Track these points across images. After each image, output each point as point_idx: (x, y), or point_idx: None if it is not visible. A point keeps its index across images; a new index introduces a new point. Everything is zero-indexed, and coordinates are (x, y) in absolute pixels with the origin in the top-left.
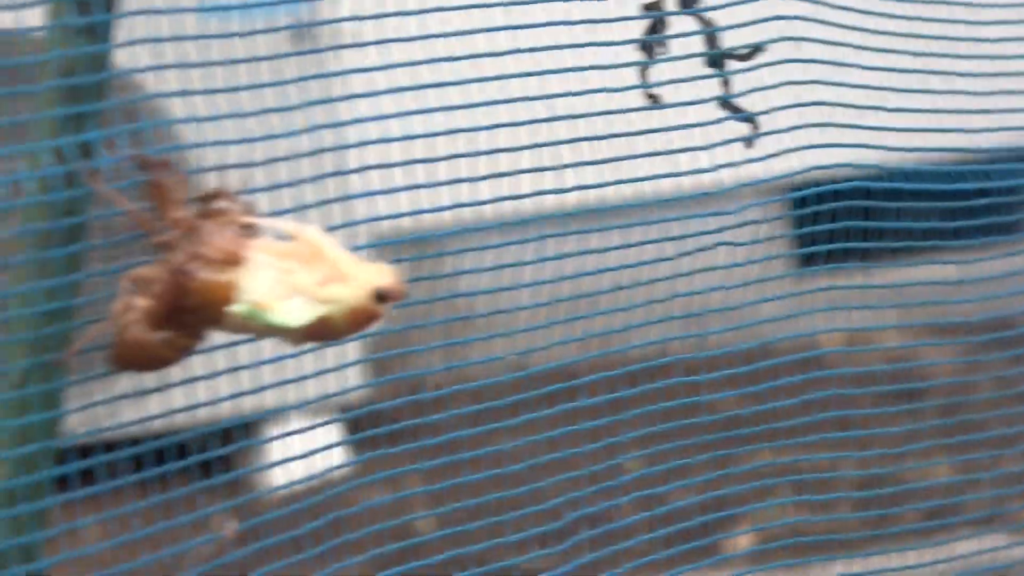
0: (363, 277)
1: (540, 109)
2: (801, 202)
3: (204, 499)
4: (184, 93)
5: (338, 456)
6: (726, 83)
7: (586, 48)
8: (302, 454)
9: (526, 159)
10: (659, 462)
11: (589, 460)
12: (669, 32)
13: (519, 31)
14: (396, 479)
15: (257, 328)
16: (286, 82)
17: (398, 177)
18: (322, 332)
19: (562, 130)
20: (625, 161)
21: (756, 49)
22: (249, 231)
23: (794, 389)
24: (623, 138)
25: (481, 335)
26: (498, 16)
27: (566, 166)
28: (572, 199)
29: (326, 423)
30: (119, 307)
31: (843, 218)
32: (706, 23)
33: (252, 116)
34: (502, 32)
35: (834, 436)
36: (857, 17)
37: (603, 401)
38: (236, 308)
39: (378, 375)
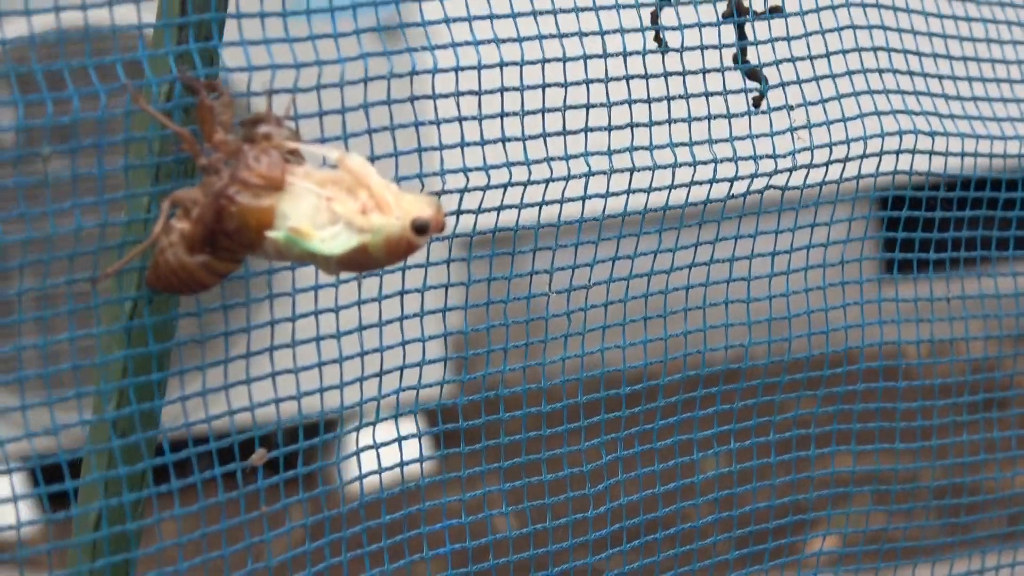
0: (403, 207)
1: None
2: (887, 207)
3: (283, 493)
4: (270, 67)
5: (416, 453)
6: (744, 48)
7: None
8: (379, 447)
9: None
10: (736, 463)
11: (665, 459)
12: None
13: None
14: (474, 477)
15: (295, 254)
16: (377, 77)
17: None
18: (359, 261)
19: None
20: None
21: (774, 10)
22: (292, 157)
23: (875, 395)
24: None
25: (558, 334)
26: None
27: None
28: (645, 198)
29: (404, 417)
30: (158, 229)
31: (930, 225)
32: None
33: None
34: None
35: (916, 445)
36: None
37: (680, 400)
38: (274, 234)
39: (457, 373)
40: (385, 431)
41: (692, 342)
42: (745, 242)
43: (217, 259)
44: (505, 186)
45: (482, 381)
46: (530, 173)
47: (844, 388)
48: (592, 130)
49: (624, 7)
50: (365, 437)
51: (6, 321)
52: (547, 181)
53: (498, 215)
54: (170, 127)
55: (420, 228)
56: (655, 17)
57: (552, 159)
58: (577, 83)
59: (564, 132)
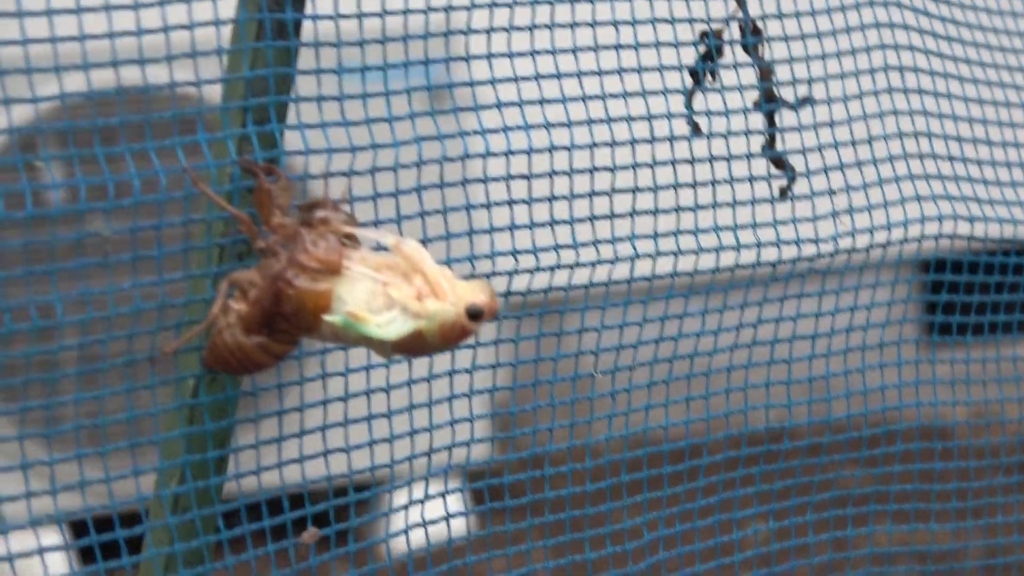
0: (458, 293)
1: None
2: (929, 272)
3: (325, 562)
4: (327, 151)
5: (460, 523)
6: (773, 136)
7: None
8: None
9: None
10: (781, 536)
11: (709, 535)
12: (722, 62)
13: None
14: (517, 547)
15: (351, 338)
16: (430, 161)
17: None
18: (414, 346)
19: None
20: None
21: (807, 100)
22: (349, 241)
23: (916, 458)
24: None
25: (603, 414)
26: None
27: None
28: (690, 267)
29: (448, 490)
30: (216, 309)
31: (971, 290)
32: (763, 73)
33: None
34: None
35: (956, 506)
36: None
37: (724, 478)
38: (331, 318)
39: (503, 447)
40: (429, 501)
41: (734, 403)
42: (789, 306)
43: (274, 341)
44: (553, 268)
45: (530, 441)
46: (578, 255)
47: (884, 450)
48: (638, 213)
49: (671, 92)
50: (414, 506)
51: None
52: (594, 263)
53: (546, 295)
54: (228, 210)
55: (475, 314)
56: (690, 100)
57: (599, 242)
58: (624, 167)
59: (611, 215)
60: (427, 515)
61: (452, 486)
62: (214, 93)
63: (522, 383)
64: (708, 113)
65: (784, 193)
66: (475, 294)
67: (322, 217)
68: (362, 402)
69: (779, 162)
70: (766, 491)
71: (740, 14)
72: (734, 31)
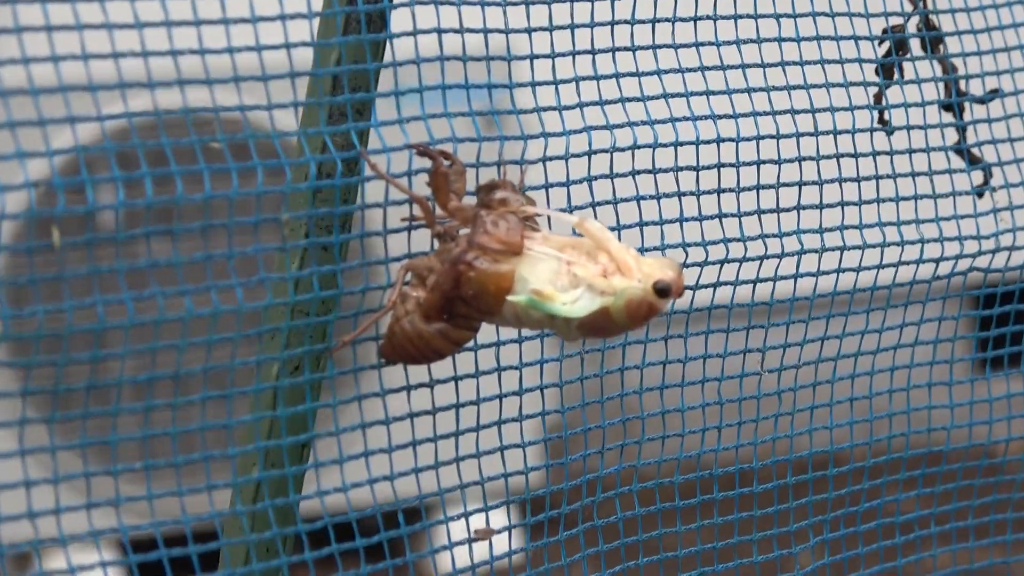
0: (644, 270)
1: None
2: (987, 301)
3: None
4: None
5: (510, 544)
6: (963, 130)
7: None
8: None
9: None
10: (829, 555)
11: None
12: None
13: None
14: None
15: (534, 319)
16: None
17: None
18: (600, 325)
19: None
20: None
21: (994, 93)
22: (529, 222)
23: (971, 492)
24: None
25: (655, 435)
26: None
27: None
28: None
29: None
30: (394, 296)
31: None
32: (948, 67)
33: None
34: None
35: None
36: None
37: (778, 508)
38: (516, 298)
39: (555, 469)
40: (479, 521)
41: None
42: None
43: (453, 326)
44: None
45: (582, 465)
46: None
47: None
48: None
49: (853, 85)
50: (458, 526)
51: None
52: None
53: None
54: (410, 195)
55: (662, 291)
56: (879, 97)
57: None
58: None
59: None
60: (482, 547)
61: (505, 513)
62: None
63: (571, 405)
64: (887, 107)
65: (981, 192)
66: (662, 271)
67: (502, 198)
68: (426, 424)
69: (974, 157)
70: (821, 500)
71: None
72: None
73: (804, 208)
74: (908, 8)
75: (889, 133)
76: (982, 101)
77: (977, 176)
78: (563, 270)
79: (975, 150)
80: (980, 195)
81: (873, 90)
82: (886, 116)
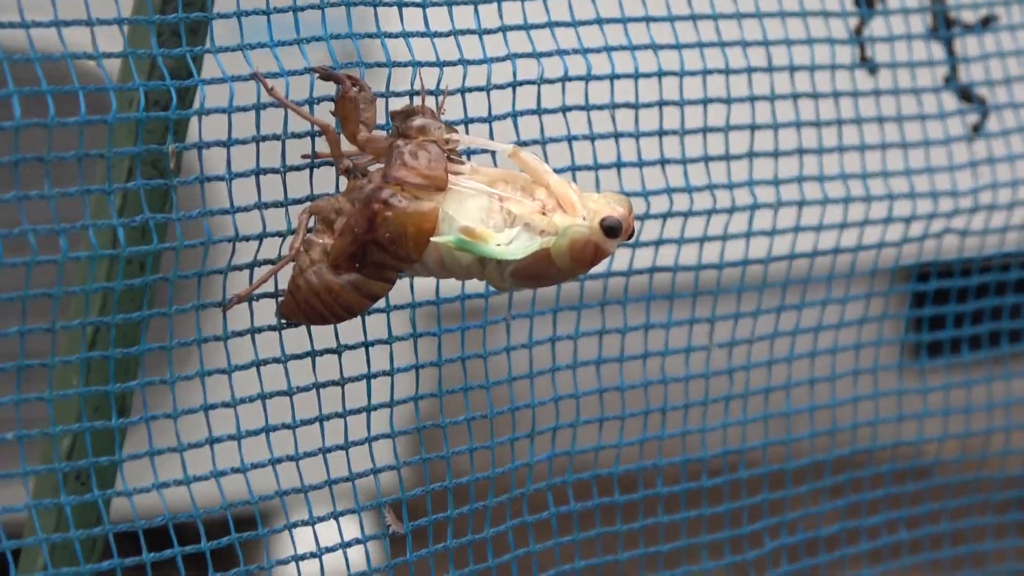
0: (590, 206)
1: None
2: (920, 280)
3: None
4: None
5: (361, 552)
6: (953, 67)
7: None
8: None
9: None
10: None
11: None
12: None
13: None
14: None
15: (462, 265)
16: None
17: None
18: (540, 270)
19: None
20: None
21: (990, 19)
22: (453, 153)
23: (898, 500)
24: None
25: (522, 433)
26: None
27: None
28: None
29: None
30: (297, 244)
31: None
32: None
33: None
34: None
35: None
36: None
37: (686, 515)
38: (442, 239)
39: (411, 467)
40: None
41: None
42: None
43: (367, 277)
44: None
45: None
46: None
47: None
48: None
49: (811, 15)
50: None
51: None
52: None
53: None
54: (311, 120)
55: (611, 229)
56: (859, 30)
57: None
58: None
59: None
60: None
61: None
62: None
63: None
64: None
65: (977, 129)
66: (610, 207)
67: (420, 125)
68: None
69: (966, 94)
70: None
71: None
72: None
73: (757, 155)
74: None
75: (872, 71)
76: (973, 30)
77: (965, 121)
78: (495, 207)
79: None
80: (973, 137)
81: (842, 22)
82: (868, 52)
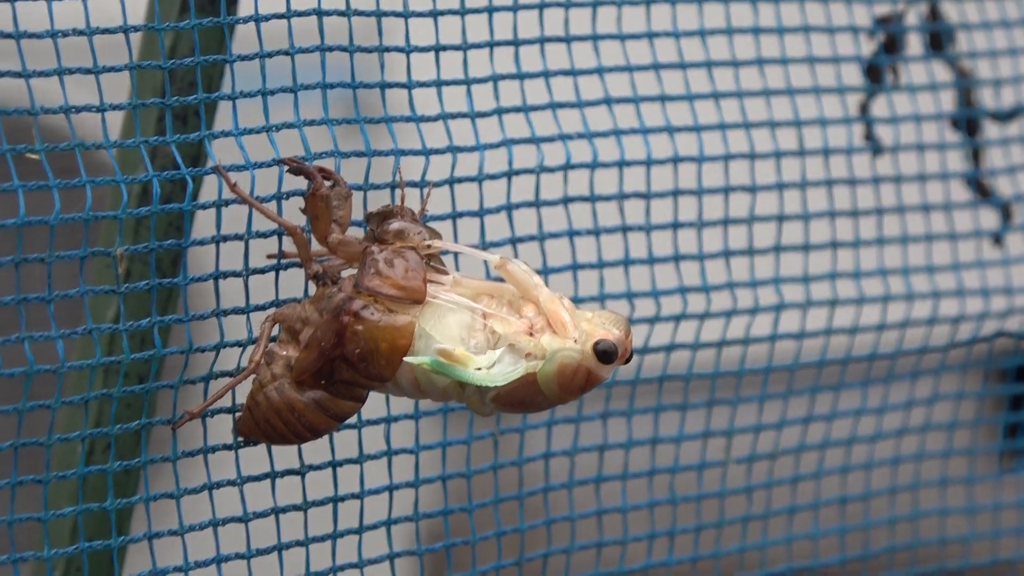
0: (583, 327)
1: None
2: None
3: None
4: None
5: None
6: (977, 154)
7: None
8: None
9: None
10: None
11: None
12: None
13: None
14: None
15: (438, 388)
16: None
17: None
18: (525, 396)
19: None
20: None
21: (1020, 110)
22: (434, 262)
23: None
24: None
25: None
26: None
27: None
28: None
29: None
30: (257, 357)
31: None
32: (960, 72)
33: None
34: None
35: None
36: None
37: None
38: (416, 360)
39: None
40: None
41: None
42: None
43: (334, 395)
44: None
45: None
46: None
47: None
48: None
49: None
50: None
51: None
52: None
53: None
54: (278, 222)
55: (605, 354)
56: (864, 108)
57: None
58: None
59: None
60: None
61: None
62: None
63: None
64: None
65: (999, 239)
66: (605, 328)
67: (398, 229)
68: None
69: (983, 189)
70: None
71: None
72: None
73: (784, 250)
74: None
75: (875, 153)
76: (1000, 118)
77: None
78: (478, 324)
79: (988, 180)
80: (998, 240)
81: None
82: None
